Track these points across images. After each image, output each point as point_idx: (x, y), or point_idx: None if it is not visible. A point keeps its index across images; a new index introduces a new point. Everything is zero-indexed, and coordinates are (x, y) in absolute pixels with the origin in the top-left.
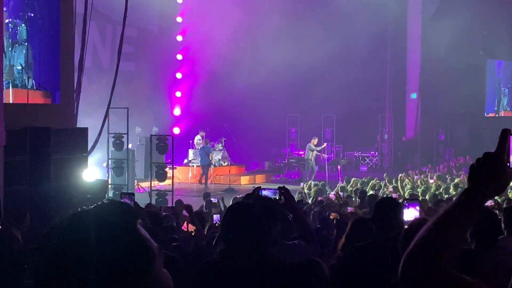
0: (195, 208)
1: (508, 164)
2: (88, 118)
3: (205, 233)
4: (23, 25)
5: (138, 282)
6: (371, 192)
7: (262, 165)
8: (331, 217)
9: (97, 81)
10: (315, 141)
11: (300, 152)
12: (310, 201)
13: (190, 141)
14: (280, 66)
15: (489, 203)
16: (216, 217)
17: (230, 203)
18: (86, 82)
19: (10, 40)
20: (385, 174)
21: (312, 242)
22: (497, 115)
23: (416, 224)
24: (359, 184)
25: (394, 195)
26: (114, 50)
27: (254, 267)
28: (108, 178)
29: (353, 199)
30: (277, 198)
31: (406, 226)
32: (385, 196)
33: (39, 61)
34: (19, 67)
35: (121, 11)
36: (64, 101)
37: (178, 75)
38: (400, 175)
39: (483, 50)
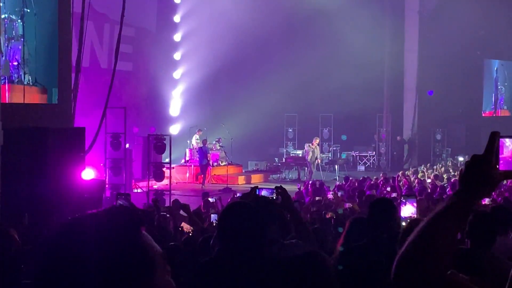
0: (193, 208)
1: (497, 166)
2: (85, 118)
3: (203, 232)
4: (19, 20)
5: None
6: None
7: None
8: (327, 216)
9: (95, 80)
10: (317, 140)
11: (298, 152)
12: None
13: (188, 141)
14: (279, 66)
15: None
16: (213, 216)
17: (228, 203)
18: (83, 81)
19: (5, 35)
20: (381, 174)
21: (309, 241)
22: (494, 115)
23: (414, 225)
24: (356, 184)
25: (393, 195)
26: (111, 49)
27: (252, 266)
28: (105, 177)
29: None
30: (274, 197)
31: (403, 223)
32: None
33: (35, 58)
34: (15, 63)
35: (119, 10)
36: (61, 101)
37: (176, 75)
38: (397, 174)
39: (480, 50)
